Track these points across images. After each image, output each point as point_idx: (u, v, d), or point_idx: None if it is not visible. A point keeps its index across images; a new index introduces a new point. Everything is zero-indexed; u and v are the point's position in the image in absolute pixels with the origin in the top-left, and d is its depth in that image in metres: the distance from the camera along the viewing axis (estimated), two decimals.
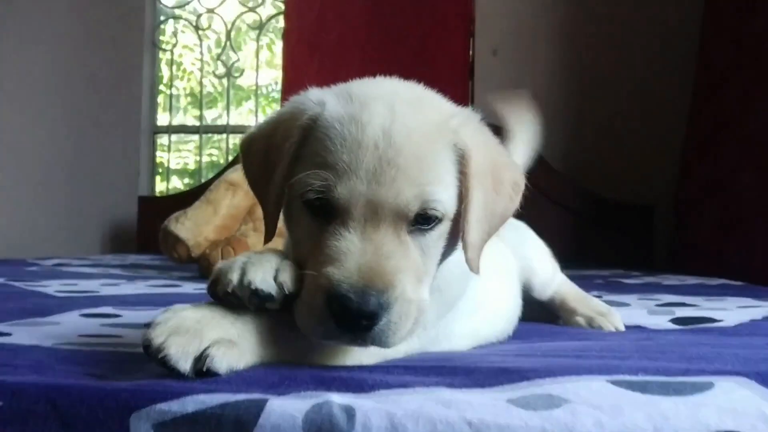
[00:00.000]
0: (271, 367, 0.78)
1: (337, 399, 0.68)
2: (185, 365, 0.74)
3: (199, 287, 2.02)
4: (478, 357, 0.92)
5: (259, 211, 2.47)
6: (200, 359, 0.74)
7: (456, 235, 0.87)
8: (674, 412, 0.63)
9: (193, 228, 2.36)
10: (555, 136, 3.77)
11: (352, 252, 0.78)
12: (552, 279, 1.44)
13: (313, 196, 0.81)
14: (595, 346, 1.02)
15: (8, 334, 1.05)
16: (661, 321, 1.39)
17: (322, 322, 0.76)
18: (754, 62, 2.95)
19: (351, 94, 0.87)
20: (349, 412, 0.66)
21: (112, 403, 0.69)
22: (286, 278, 0.80)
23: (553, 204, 3.66)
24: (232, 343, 0.77)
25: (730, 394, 0.67)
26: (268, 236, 0.92)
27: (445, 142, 0.84)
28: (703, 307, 1.59)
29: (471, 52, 3.90)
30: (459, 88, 3.91)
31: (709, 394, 0.67)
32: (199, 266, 2.37)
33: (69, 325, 1.18)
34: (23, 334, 1.06)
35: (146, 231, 3.73)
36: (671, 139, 3.51)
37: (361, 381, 0.74)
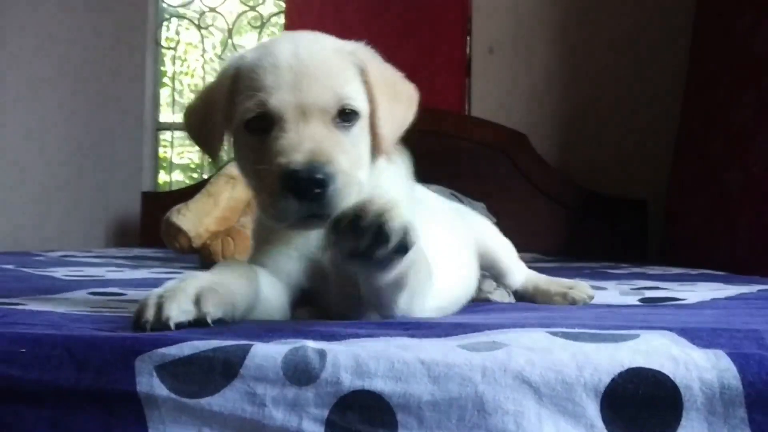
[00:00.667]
0: (258, 322, 0.90)
1: (312, 344, 0.80)
2: (188, 316, 0.87)
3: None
4: (443, 317, 1.04)
5: None
6: (199, 309, 0.87)
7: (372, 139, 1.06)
8: (595, 353, 0.75)
9: (194, 219, 2.49)
10: (549, 132, 3.90)
11: (295, 142, 0.95)
12: (520, 269, 1.59)
13: (251, 114, 0.99)
14: (556, 315, 1.14)
15: (23, 305, 1.18)
16: (630, 300, 1.51)
17: (282, 203, 0.93)
18: (741, 61, 3.06)
19: (262, 44, 1.10)
20: (321, 354, 0.78)
21: (119, 349, 0.81)
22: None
23: (547, 198, 3.77)
24: (212, 289, 0.90)
25: (650, 342, 0.79)
26: (214, 165, 1.26)
27: (346, 59, 1.04)
28: (673, 290, 1.70)
29: (467, 50, 4.01)
30: (456, 86, 4.04)
31: (631, 341, 0.79)
32: (200, 256, 2.50)
33: (78, 300, 1.31)
34: (36, 304, 1.19)
35: (150, 226, 3.85)
36: (664, 135, 3.62)
37: (335, 332, 0.86)
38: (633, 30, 3.80)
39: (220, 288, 0.92)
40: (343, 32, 3.96)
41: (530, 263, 3.04)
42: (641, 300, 1.51)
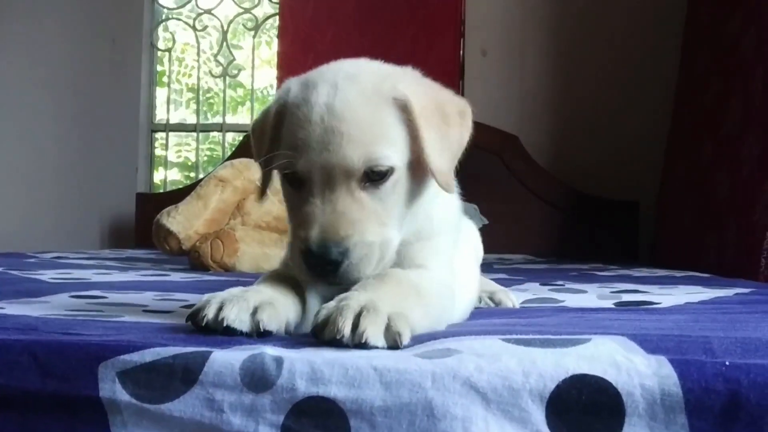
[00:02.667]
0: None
1: (270, 351, 0.82)
2: (243, 326, 0.90)
3: (186, 277, 2.17)
4: None
5: (247, 206, 2.62)
6: (254, 320, 0.90)
7: (422, 173, 1.04)
8: (542, 359, 0.77)
9: (184, 222, 2.52)
10: (543, 136, 3.92)
11: (316, 214, 0.96)
12: None
13: (285, 171, 1.01)
14: (522, 321, 1.16)
15: (1, 308, 1.20)
16: (605, 304, 1.53)
17: (304, 273, 0.98)
18: (729, 65, 3.08)
19: (308, 79, 1.05)
20: (278, 361, 0.80)
21: (83, 355, 0.84)
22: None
23: (539, 200, 3.80)
24: (271, 304, 0.94)
25: (598, 347, 0.81)
26: (261, 197, 1.17)
27: (384, 100, 1.00)
28: (652, 293, 1.72)
29: (461, 53, 4.04)
30: (449, 88, 4.05)
31: (580, 347, 0.81)
32: (189, 258, 2.52)
33: (57, 303, 1.33)
34: (15, 307, 1.21)
35: (144, 226, 3.87)
36: (655, 137, 3.64)
37: (293, 341, 0.88)
38: (625, 34, 3.82)
39: (277, 304, 0.95)
40: (337, 35, 3.97)
41: (521, 265, 3.09)
42: (616, 304, 1.53)
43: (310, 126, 0.97)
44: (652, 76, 3.74)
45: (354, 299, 0.88)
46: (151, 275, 2.18)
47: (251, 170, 2.63)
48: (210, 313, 0.92)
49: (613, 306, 1.49)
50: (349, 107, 0.98)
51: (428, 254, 1.08)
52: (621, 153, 3.78)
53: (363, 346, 0.83)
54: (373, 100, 1.00)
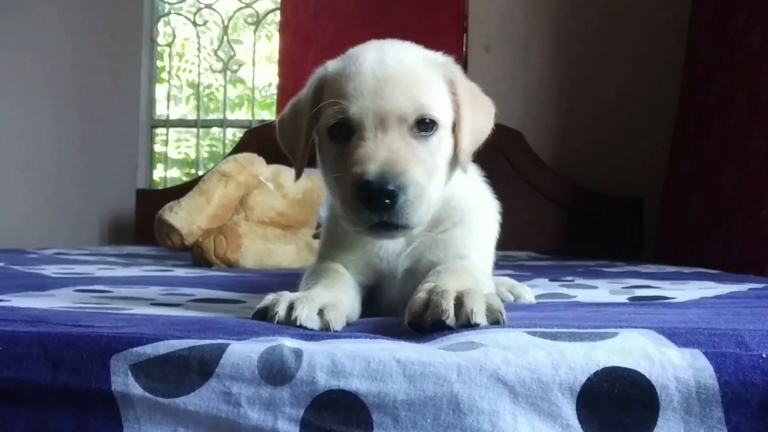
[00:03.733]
0: (236, 320, 0.90)
1: (289, 343, 0.79)
2: (314, 324, 0.91)
3: (190, 273, 2.14)
4: None
5: (250, 201, 2.59)
6: (323, 320, 0.92)
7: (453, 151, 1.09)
8: (571, 352, 0.75)
9: (186, 217, 2.48)
10: (546, 131, 3.89)
11: (370, 153, 0.98)
12: None
13: (333, 121, 1.03)
14: (539, 315, 1.14)
15: (8, 301, 1.18)
16: (619, 298, 1.50)
17: (356, 211, 0.97)
18: (734, 60, 3.06)
19: (347, 54, 1.11)
20: (297, 353, 0.78)
21: (94, 347, 0.81)
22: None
23: (543, 196, 3.77)
24: (334, 305, 0.95)
25: (628, 340, 0.78)
26: (298, 176, 1.19)
27: (435, 67, 1.08)
28: (664, 288, 1.70)
29: (464, 49, 4.01)
30: None
31: (609, 340, 0.78)
32: (192, 254, 2.49)
33: (63, 296, 1.31)
34: (21, 300, 1.19)
35: (144, 223, 3.84)
36: (660, 133, 3.62)
37: (313, 333, 0.86)
38: (630, 28, 3.79)
39: (340, 305, 0.98)
40: (339, 30, 3.95)
41: (526, 261, 3.07)
42: (630, 298, 1.50)
43: (360, 77, 1.02)
44: (657, 71, 3.71)
45: (446, 285, 0.90)
46: (155, 271, 2.16)
47: (254, 165, 2.61)
48: (281, 311, 0.93)
49: (627, 301, 1.47)
50: (401, 63, 1.04)
51: (467, 242, 1.13)
52: (625, 149, 3.75)
53: (467, 325, 0.84)
54: (424, 65, 1.07)
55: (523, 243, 3.52)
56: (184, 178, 4.55)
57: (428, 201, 1.00)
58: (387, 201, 0.95)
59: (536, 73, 3.91)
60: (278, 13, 4.28)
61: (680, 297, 1.48)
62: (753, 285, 1.74)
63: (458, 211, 1.15)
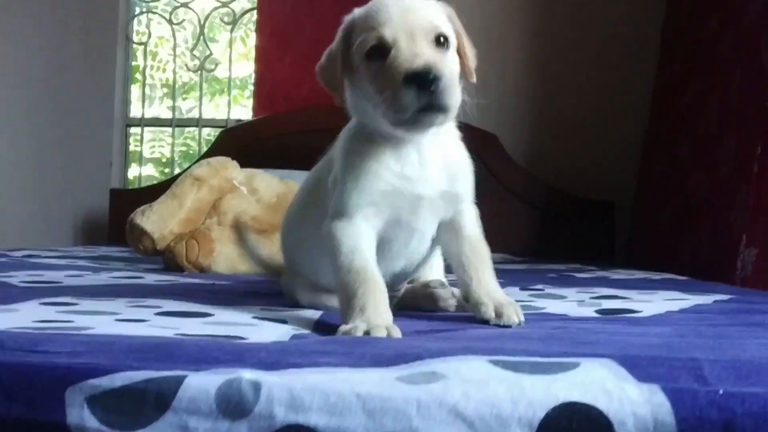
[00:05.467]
0: (197, 345, 0.89)
1: (247, 375, 0.78)
2: None
3: (161, 279, 2.12)
4: (390, 341, 1.03)
5: (223, 205, 2.56)
6: None
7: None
8: (531, 386, 0.74)
9: (158, 221, 2.46)
10: (521, 133, 3.90)
11: (411, 55, 1.17)
12: None
13: (371, 44, 1.22)
14: (507, 333, 1.14)
15: None
16: (587, 312, 1.51)
17: (404, 96, 1.15)
18: (707, 65, 3.08)
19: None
20: (256, 386, 0.76)
21: (50, 378, 0.79)
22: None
23: (517, 199, 3.78)
24: (394, 326, 1.13)
25: (588, 372, 0.78)
26: (342, 102, 1.36)
27: (439, 7, 1.29)
28: (632, 299, 1.70)
29: None
30: None
31: (570, 372, 0.78)
32: (163, 258, 2.46)
33: (27, 312, 1.28)
34: None
35: (118, 223, 3.79)
36: (633, 137, 3.64)
37: (274, 362, 0.84)
38: (605, 33, 3.80)
39: (391, 319, 1.18)
40: (315, 30, 3.89)
41: (500, 264, 3.06)
42: (598, 311, 1.51)
43: (388, 9, 1.23)
44: (630, 75, 3.73)
45: (499, 294, 1.32)
46: (125, 277, 2.13)
47: (228, 169, 2.58)
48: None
49: (594, 314, 1.47)
50: (416, 2, 1.26)
51: (473, 218, 1.42)
52: (599, 152, 3.77)
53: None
54: (434, 5, 1.29)
55: (498, 245, 3.50)
56: (158, 176, 4.52)
57: (458, 92, 1.19)
58: (432, 86, 1.13)
59: (512, 72, 3.91)
60: (255, 13, 4.24)
61: (646, 311, 1.49)
62: (718, 296, 1.76)
63: (465, 169, 1.40)
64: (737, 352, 0.90)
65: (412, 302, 1.50)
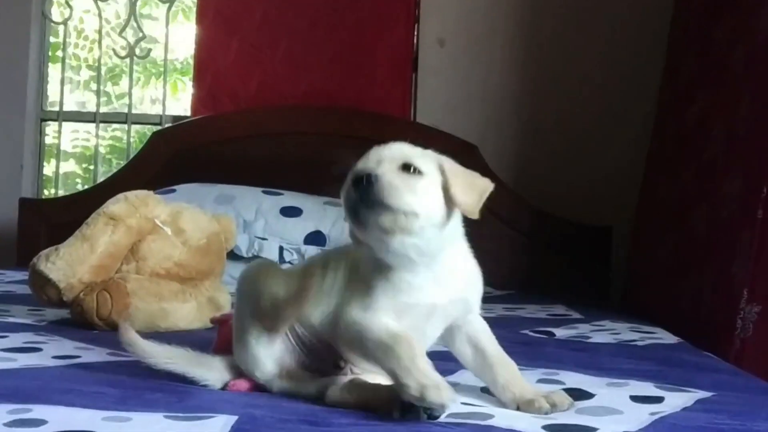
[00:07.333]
0: None
1: None
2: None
3: (63, 351, 2.11)
4: None
5: (143, 249, 2.59)
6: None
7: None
8: None
9: (65, 268, 2.47)
10: (505, 144, 3.95)
11: (360, 168, 1.39)
12: None
13: (349, 180, 1.40)
14: None
15: None
16: (533, 427, 1.55)
17: (346, 193, 1.39)
18: (715, 78, 3.14)
19: None
20: None
21: None
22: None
23: (499, 221, 3.83)
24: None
25: None
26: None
27: (427, 155, 1.46)
28: (599, 396, 1.73)
29: (414, 41, 4.03)
30: (401, 81, 4.06)
31: None
32: (71, 312, 2.49)
33: None
34: None
35: (29, 240, 3.83)
36: (634, 154, 3.71)
37: None
38: (607, 34, 3.85)
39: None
40: (267, 15, 3.88)
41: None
42: (544, 427, 1.56)
43: (370, 151, 1.44)
44: (632, 83, 3.79)
45: (529, 389, 1.59)
46: (22, 344, 2.11)
47: (149, 206, 2.60)
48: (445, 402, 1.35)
49: (542, 430, 1.52)
50: (399, 146, 1.46)
51: (487, 330, 1.66)
52: (594, 170, 3.84)
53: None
54: (417, 150, 1.46)
55: None
56: (81, 173, 4.53)
57: (413, 205, 1.36)
58: (364, 181, 1.33)
59: (498, 75, 3.96)
60: None
61: (604, 429, 1.54)
62: (701, 394, 1.78)
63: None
64: None
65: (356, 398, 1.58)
